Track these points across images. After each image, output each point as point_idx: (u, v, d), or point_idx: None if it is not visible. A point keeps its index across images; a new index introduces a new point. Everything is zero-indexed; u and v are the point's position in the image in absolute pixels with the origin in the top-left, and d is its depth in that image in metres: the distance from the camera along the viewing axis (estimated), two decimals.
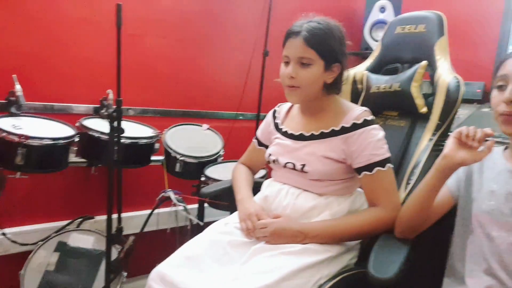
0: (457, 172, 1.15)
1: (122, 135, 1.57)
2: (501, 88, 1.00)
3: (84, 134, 1.72)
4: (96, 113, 1.94)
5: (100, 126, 1.74)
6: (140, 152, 1.85)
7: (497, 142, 1.42)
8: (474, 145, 0.97)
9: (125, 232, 1.78)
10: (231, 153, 2.07)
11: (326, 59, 1.19)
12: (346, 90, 1.64)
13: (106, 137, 1.57)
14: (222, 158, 2.04)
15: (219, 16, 2.36)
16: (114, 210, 1.61)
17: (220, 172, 1.87)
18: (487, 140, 0.97)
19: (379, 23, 2.74)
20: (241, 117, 2.47)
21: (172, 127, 2.06)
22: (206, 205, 1.70)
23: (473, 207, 1.08)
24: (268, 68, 2.21)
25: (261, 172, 1.84)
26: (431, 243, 1.21)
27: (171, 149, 1.92)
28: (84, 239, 1.86)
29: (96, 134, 1.70)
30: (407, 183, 1.33)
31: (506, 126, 0.98)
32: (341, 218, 1.20)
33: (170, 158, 1.93)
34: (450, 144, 1.01)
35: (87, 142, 1.73)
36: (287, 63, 1.21)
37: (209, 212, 1.81)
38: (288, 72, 1.19)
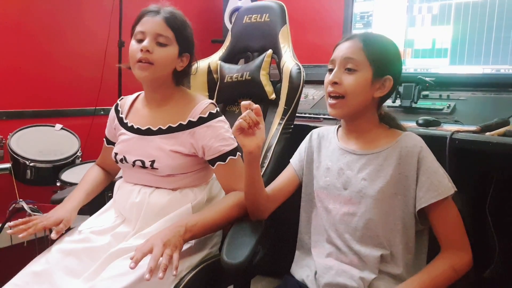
0: (300, 153, 1.25)
1: None
2: (331, 71, 1.10)
3: None
4: None
5: None
6: None
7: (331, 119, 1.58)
8: (257, 128, 1.04)
9: None
10: (93, 152, 1.94)
11: (181, 44, 1.19)
12: (202, 80, 1.66)
13: None
14: (80, 159, 1.90)
15: (68, 4, 2.17)
16: None
17: (78, 175, 1.74)
18: None
19: (238, 10, 2.81)
20: (102, 112, 2.34)
21: (18, 131, 1.85)
22: None
23: (314, 183, 1.18)
24: (125, 59, 2.11)
25: None
26: (284, 221, 1.30)
27: (18, 155, 1.73)
28: None
29: None
30: (262, 166, 1.40)
31: (331, 109, 1.09)
32: (209, 207, 1.19)
33: (19, 165, 1.74)
34: (242, 141, 1.05)
35: None
36: (140, 40, 1.16)
37: (78, 217, 1.68)
38: (145, 46, 1.14)
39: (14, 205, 1.73)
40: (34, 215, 1.70)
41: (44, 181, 1.77)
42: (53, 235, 1.13)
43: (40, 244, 1.84)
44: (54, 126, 1.99)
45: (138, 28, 1.18)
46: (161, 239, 1.01)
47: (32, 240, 1.87)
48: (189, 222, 1.09)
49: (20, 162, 1.74)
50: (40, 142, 1.86)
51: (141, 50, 1.14)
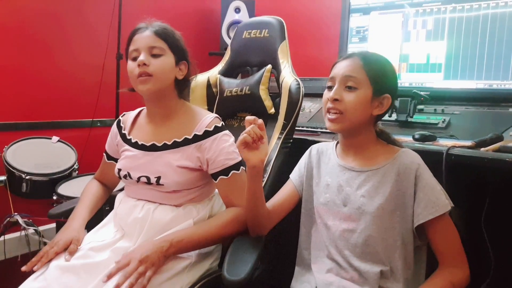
0: (300, 169, 1.26)
1: None
2: (330, 88, 1.11)
3: None
4: None
5: None
6: None
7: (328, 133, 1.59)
8: (261, 143, 1.05)
9: None
10: (90, 164, 1.94)
11: (175, 53, 1.21)
12: (201, 94, 1.67)
13: None
14: (77, 172, 1.89)
15: (65, 17, 2.18)
16: None
17: (75, 188, 1.73)
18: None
19: (236, 23, 2.84)
20: (99, 124, 2.33)
21: (14, 143, 1.84)
22: None
23: (314, 199, 1.19)
24: (123, 71, 2.12)
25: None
26: (284, 236, 1.30)
27: (13, 168, 1.72)
28: None
29: None
30: (262, 181, 1.40)
31: (330, 123, 1.10)
32: (202, 223, 1.21)
33: (15, 178, 1.73)
34: (246, 155, 1.05)
35: None
36: (136, 58, 1.18)
37: None
38: (140, 60, 1.15)
39: (8, 219, 1.71)
40: (29, 229, 1.70)
41: (40, 195, 1.76)
42: (67, 257, 1.13)
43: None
44: (50, 139, 1.98)
45: (131, 47, 1.20)
46: (140, 254, 1.03)
47: (26, 254, 1.85)
48: (175, 237, 1.11)
49: (15, 175, 1.73)
50: (36, 155, 1.86)
51: (138, 65, 1.16)
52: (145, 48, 1.17)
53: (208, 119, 1.23)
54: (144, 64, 1.16)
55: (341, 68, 1.09)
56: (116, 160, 1.34)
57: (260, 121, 1.05)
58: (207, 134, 1.21)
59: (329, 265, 1.10)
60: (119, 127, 1.34)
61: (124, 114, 1.38)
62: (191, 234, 1.14)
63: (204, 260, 1.20)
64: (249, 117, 1.05)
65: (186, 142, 1.22)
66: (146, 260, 1.03)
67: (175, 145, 1.22)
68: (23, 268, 1.10)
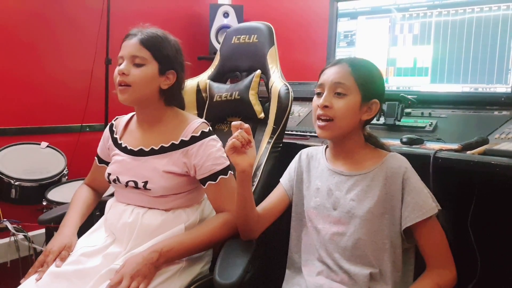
0: (290, 173, 1.27)
1: None
2: (319, 95, 1.13)
3: None
4: None
5: None
6: None
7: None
8: (249, 147, 1.06)
9: None
10: (79, 170, 1.93)
11: (160, 62, 1.20)
12: (191, 99, 1.67)
13: None
14: (67, 177, 1.88)
15: (54, 22, 2.16)
16: None
17: (65, 194, 1.73)
18: None
19: (224, 28, 2.85)
20: (88, 129, 2.32)
21: (2, 149, 1.83)
22: None
23: (304, 203, 1.20)
24: (112, 76, 2.11)
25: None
26: (274, 240, 1.31)
27: (2, 174, 1.70)
28: None
29: None
30: (251, 185, 1.41)
31: (320, 131, 1.12)
32: (192, 230, 1.21)
33: (3, 184, 1.72)
34: (235, 160, 1.06)
35: None
36: (120, 65, 1.19)
37: None
38: (120, 69, 1.17)
39: None
40: (18, 234, 1.69)
41: (30, 200, 1.75)
42: (58, 263, 1.13)
43: (24, 263, 1.81)
44: (39, 144, 1.97)
45: (120, 54, 1.21)
46: (131, 269, 1.05)
47: (16, 260, 1.84)
48: (165, 247, 1.11)
49: (4, 181, 1.71)
50: (25, 161, 1.84)
51: (119, 74, 1.17)
52: (128, 56, 1.18)
53: (195, 124, 1.23)
54: (124, 73, 1.17)
55: (330, 74, 1.10)
56: (107, 163, 1.35)
57: (247, 125, 1.06)
58: (193, 140, 1.21)
59: (319, 267, 1.12)
60: (112, 131, 1.35)
61: (117, 118, 1.39)
62: (181, 242, 1.15)
63: (195, 264, 1.21)
64: (235, 123, 1.06)
65: (173, 147, 1.22)
66: (138, 274, 1.05)
67: (162, 150, 1.23)
68: (22, 281, 1.11)
